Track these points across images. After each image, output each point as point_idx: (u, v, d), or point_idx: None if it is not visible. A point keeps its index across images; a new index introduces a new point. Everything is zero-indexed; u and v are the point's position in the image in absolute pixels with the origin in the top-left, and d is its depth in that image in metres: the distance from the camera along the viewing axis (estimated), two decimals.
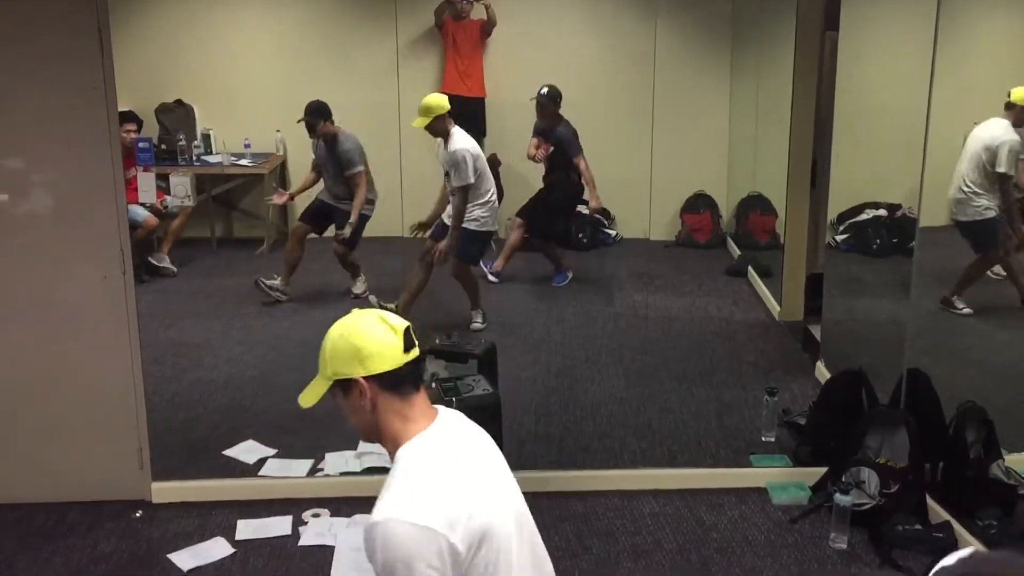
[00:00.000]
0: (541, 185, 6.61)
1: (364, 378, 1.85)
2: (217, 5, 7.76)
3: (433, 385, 3.88)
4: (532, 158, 6.52)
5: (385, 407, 1.87)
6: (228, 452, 4.34)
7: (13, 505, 3.90)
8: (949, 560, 1.08)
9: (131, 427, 3.92)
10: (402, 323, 1.88)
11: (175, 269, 6.92)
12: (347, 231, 6.07)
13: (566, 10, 7.80)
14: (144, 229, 6.72)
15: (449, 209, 5.70)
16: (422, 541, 1.71)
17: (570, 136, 6.42)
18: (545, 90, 6.36)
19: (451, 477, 1.82)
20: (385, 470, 4.09)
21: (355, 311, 1.95)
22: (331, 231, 6.33)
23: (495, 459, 1.98)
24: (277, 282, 6.22)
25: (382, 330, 1.85)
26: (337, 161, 6.15)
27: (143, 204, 6.44)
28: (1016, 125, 4.70)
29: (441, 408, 2.00)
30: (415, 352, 1.87)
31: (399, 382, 1.86)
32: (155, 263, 6.86)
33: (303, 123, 6.05)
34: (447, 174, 5.63)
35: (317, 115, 6.06)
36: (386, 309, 5.08)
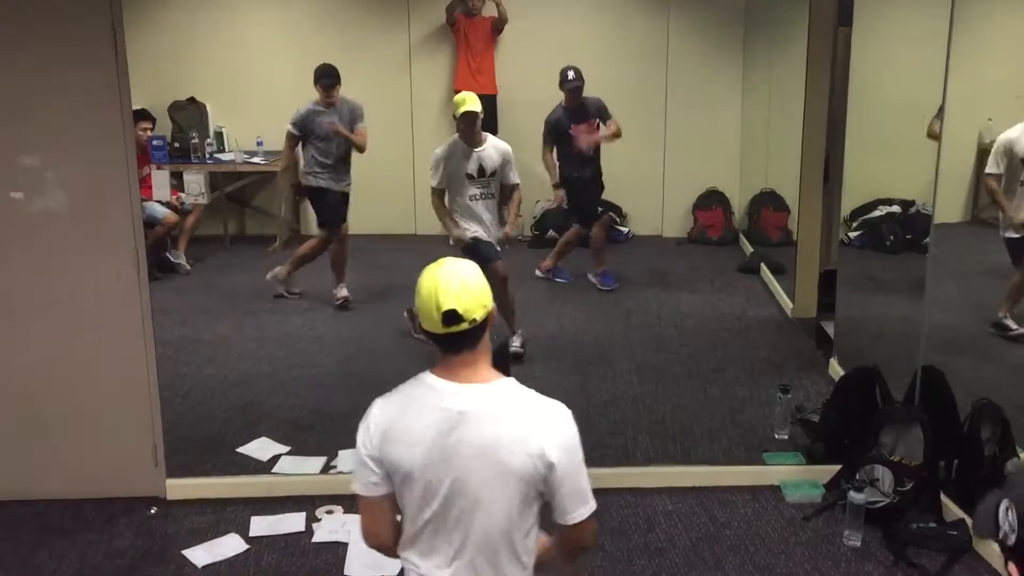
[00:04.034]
0: (552, 182, 6.48)
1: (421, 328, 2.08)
2: (230, 4, 7.79)
3: None
4: (584, 148, 6.24)
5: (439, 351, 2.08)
6: (242, 449, 4.35)
7: (29, 501, 3.92)
8: None
9: (145, 424, 3.94)
10: (450, 304, 1.99)
11: (189, 267, 6.97)
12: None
13: (578, 6, 7.79)
14: (164, 226, 6.75)
15: (476, 227, 5.18)
16: None
17: (602, 103, 6.30)
18: (572, 73, 6.16)
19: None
20: None
21: (433, 266, 2.07)
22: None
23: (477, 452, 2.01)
24: (342, 290, 6.13)
25: (430, 302, 2.01)
26: (352, 120, 5.95)
27: (160, 202, 6.47)
28: None
29: (492, 385, 2.06)
30: (454, 328, 2.00)
31: (439, 343, 2.05)
32: (172, 259, 6.90)
33: (321, 86, 5.83)
34: (478, 176, 5.14)
35: (336, 76, 5.86)
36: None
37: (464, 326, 2.01)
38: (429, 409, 2.02)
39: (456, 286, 2.01)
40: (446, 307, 1.99)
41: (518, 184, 5.31)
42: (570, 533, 2.08)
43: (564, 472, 2.00)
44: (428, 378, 2.08)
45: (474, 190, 5.14)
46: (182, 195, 6.49)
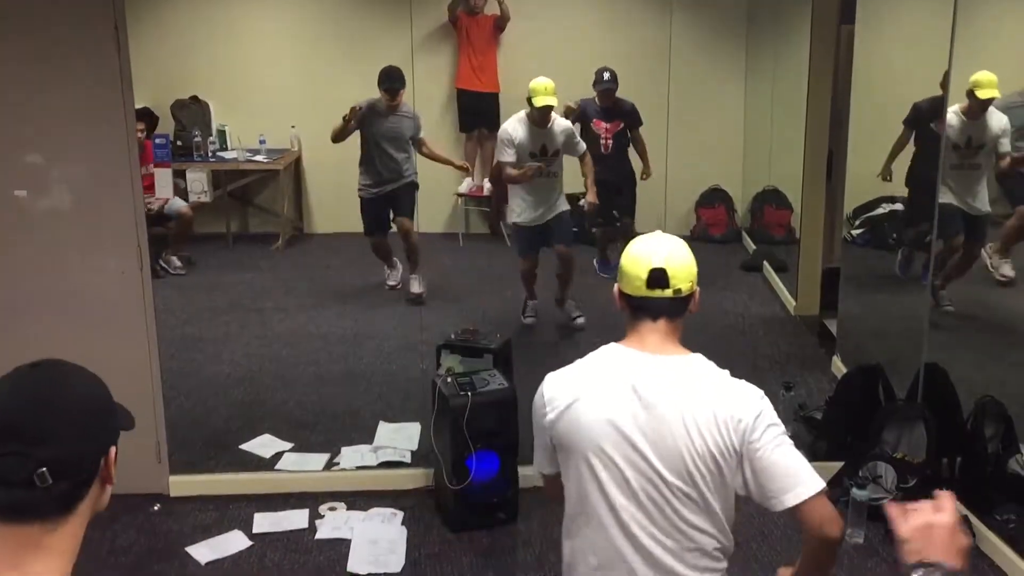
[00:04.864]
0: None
1: (618, 288, 2.10)
2: (233, 2, 7.79)
3: (449, 379, 3.88)
4: (603, 144, 6.25)
5: (628, 318, 2.09)
6: (245, 446, 4.36)
7: None
8: None
9: (149, 421, 3.94)
10: (660, 264, 2.00)
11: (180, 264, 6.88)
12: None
13: (580, 4, 7.78)
14: (181, 222, 6.66)
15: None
16: None
17: (634, 109, 6.35)
18: (607, 75, 6.20)
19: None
20: (400, 464, 4.09)
21: (647, 236, 2.12)
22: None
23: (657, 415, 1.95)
24: (415, 284, 6.04)
25: (640, 260, 2.02)
26: (414, 128, 5.94)
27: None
28: None
29: (680, 359, 2.03)
30: (657, 293, 2.00)
31: (635, 309, 2.05)
32: (166, 265, 6.86)
33: (386, 90, 5.75)
34: (542, 153, 5.44)
35: (402, 81, 5.79)
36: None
37: (668, 292, 2.00)
38: (615, 378, 1.98)
39: (671, 253, 2.03)
40: (657, 265, 1.98)
41: (586, 151, 5.62)
42: (800, 519, 1.95)
43: (770, 445, 1.91)
44: (614, 348, 2.05)
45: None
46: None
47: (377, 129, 5.86)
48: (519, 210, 5.57)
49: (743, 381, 2.02)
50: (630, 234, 6.53)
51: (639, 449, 1.94)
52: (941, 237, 4.60)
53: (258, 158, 7.37)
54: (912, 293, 4.94)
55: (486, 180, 6.66)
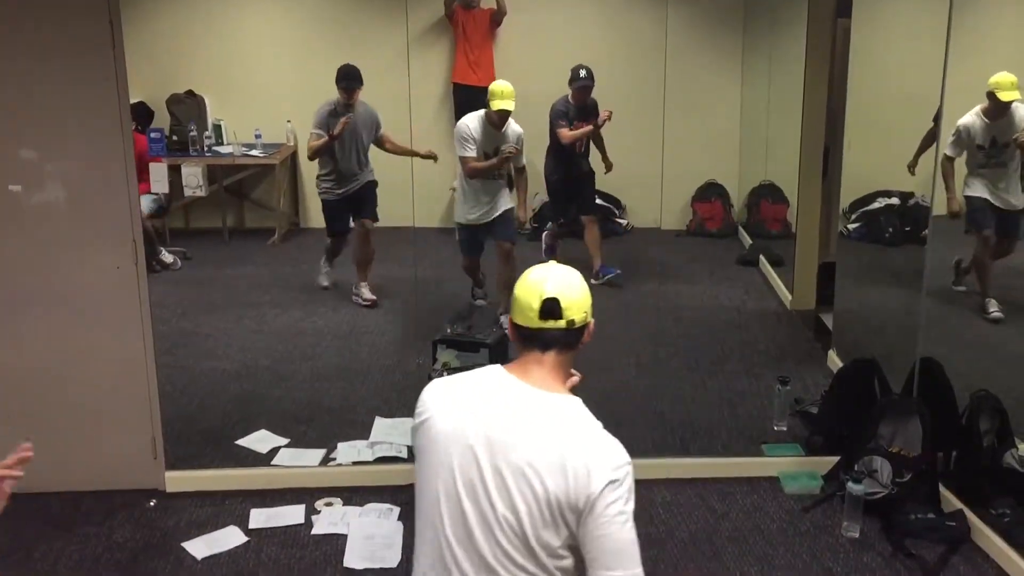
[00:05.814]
0: (556, 175, 6.48)
1: (511, 319, 2.08)
2: None
3: (444, 374, 3.88)
4: (573, 143, 6.28)
5: (518, 347, 2.07)
6: (241, 441, 4.35)
7: (28, 494, 3.91)
8: None
9: (145, 416, 3.94)
10: (554, 293, 1.99)
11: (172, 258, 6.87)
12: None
13: None
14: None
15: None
16: None
17: (595, 103, 6.34)
18: (584, 72, 6.22)
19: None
20: (396, 459, 4.10)
21: (540, 266, 2.09)
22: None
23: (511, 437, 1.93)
24: (365, 290, 6.12)
25: (533, 290, 2.01)
26: (373, 124, 6.04)
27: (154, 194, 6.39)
28: None
29: (557, 398, 2.00)
30: (549, 324, 2.00)
31: (526, 340, 2.04)
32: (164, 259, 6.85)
33: (344, 88, 5.85)
34: (495, 154, 5.51)
35: (358, 79, 5.92)
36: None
37: (561, 324, 1.99)
38: (486, 401, 1.97)
39: (564, 284, 2.01)
40: (549, 295, 1.97)
41: (523, 166, 5.69)
42: None
43: (606, 518, 1.86)
44: (497, 369, 2.04)
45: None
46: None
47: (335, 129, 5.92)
48: (464, 210, 5.65)
49: (614, 440, 1.95)
50: (597, 233, 6.60)
51: (483, 475, 1.90)
52: (971, 231, 4.68)
53: (254, 153, 7.35)
54: (907, 287, 4.93)
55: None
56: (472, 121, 5.53)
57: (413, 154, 6.02)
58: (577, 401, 2.02)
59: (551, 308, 1.97)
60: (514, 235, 5.72)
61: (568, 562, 1.93)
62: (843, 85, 5.40)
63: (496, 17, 7.47)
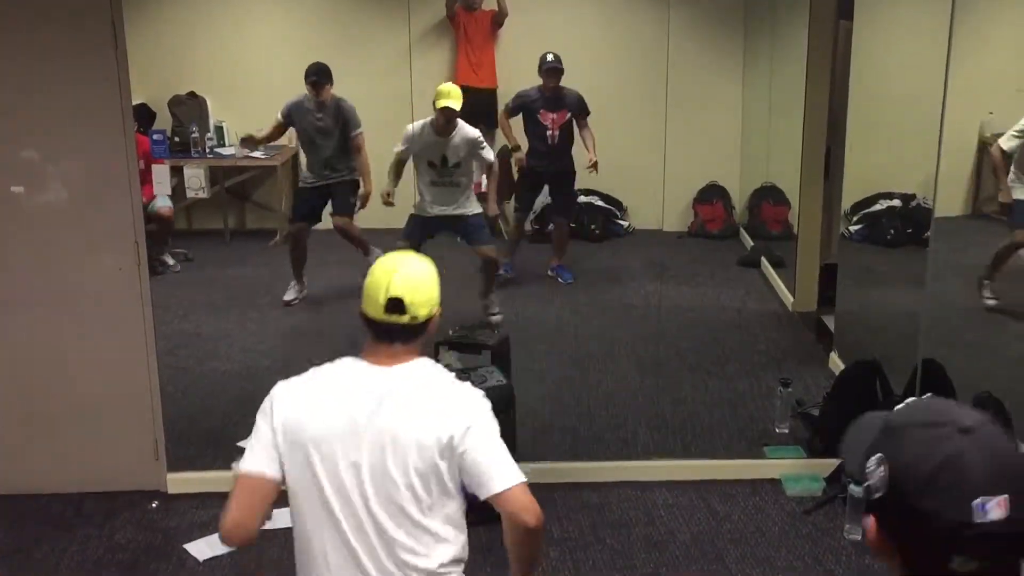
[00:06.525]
0: (511, 144, 6.39)
1: (361, 308, 2.12)
2: None
3: None
4: (550, 136, 6.24)
5: (368, 335, 2.13)
6: (243, 443, 4.31)
7: (30, 496, 3.93)
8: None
9: (146, 418, 3.94)
10: (398, 292, 2.02)
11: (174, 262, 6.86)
12: (357, 204, 6.06)
13: (578, 0, 7.78)
14: (161, 224, 6.62)
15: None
16: None
17: (580, 98, 6.29)
18: (552, 56, 6.17)
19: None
20: None
21: (395, 254, 2.14)
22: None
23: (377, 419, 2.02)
24: (293, 292, 6.13)
25: (379, 285, 2.04)
26: (344, 124, 6.02)
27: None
28: None
29: (404, 368, 2.07)
30: (394, 318, 2.03)
31: (373, 330, 2.09)
32: (167, 260, 6.84)
33: (312, 84, 5.88)
34: (440, 165, 5.48)
35: (326, 76, 5.94)
36: None
37: (404, 319, 2.02)
38: (349, 389, 2.04)
39: (411, 279, 2.04)
40: (394, 294, 2.00)
41: (492, 162, 5.63)
42: (503, 507, 2.01)
43: (475, 447, 1.98)
44: (349, 361, 2.11)
45: (433, 176, 5.49)
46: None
47: (308, 124, 6.00)
48: (417, 202, 5.65)
49: (464, 386, 2.09)
50: (564, 235, 6.59)
51: (354, 458, 2.01)
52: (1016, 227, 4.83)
53: (256, 154, 7.35)
54: (909, 289, 4.93)
55: (483, 176, 6.66)
56: (418, 125, 5.50)
57: (365, 181, 6.01)
58: (425, 362, 2.11)
59: (396, 305, 2.02)
60: (484, 238, 5.63)
61: (454, 505, 2.09)
62: (844, 86, 5.39)
63: (497, 18, 7.47)
